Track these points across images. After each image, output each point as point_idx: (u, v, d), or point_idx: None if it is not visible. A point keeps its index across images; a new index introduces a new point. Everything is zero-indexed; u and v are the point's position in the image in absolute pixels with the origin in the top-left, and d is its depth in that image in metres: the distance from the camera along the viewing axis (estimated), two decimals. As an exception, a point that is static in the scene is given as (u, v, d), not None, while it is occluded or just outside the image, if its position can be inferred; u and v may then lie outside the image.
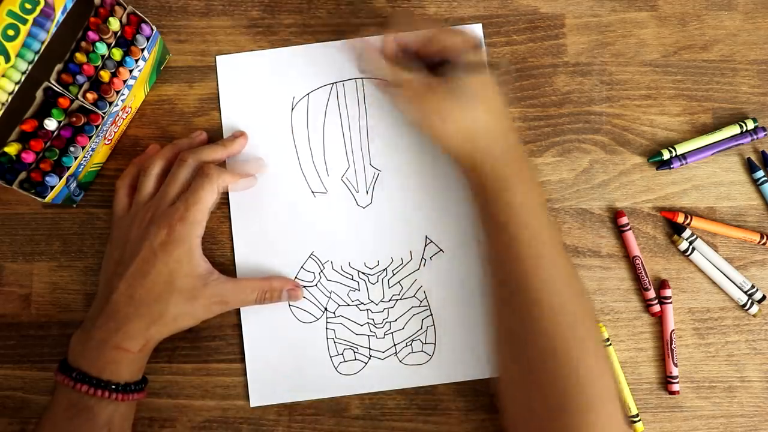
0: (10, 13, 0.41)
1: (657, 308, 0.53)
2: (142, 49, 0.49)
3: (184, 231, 0.47)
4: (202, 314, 0.49)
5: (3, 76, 0.42)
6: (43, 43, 0.44)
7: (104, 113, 0.48)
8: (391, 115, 0.54)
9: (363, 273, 0.53)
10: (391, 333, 0.53)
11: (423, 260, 0.53)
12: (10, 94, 0.43)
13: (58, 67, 0.47)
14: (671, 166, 0.54)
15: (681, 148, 0.54)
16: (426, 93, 0.47)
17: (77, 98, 0.47)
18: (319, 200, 0.54)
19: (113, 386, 0.45)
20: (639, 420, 0.51)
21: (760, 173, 0.54)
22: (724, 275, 0.53)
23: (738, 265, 0.54)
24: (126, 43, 0.48)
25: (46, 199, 0.47)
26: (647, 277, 0.53)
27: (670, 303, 0.53)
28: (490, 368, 0.51)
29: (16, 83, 0.43)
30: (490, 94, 0.48)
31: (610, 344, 0.52)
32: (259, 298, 0.50)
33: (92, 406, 0.44)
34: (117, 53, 0.48)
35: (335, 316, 0.53)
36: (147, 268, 0.46)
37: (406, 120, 0.53)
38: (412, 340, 0.53)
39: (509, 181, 0.46)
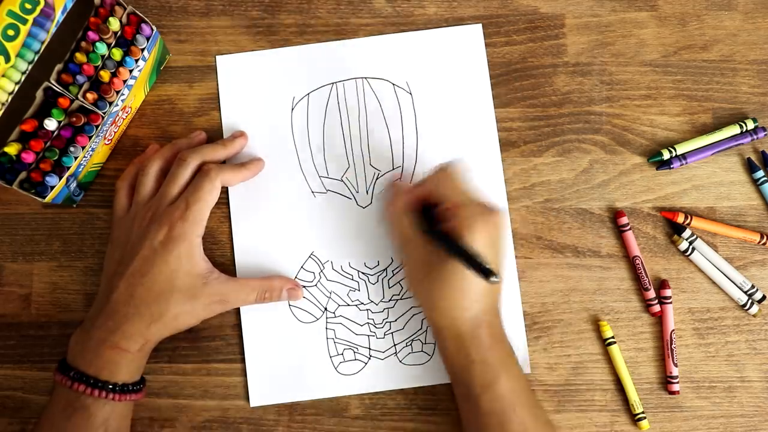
0: (10, 13, 0.41)
1: (657, 308, 0.53)
2: (142, 49, 0.49)
3: (184, 230, 0.47)
4: (203, 313, 0.49)
5: (3, 76, 0.42)
6: (43, 43, 0.44)
7: (104, 113, 0.48)
8: (390, 115, 0.55)
9: (363, 273, 0.53)
10: (391, 333, 0.53)
11: (423, 260, 0.53)
12: (10, 94, 0.43)
13: (58, 67, 0.47)
14: (671, 166, 0.54)
15: (681, 148, 0.54)
16: (417, 254, 0.46)
17: (77, 98, 0.47)
18: (319, 200, 0.54)
19: (111, 386, 0.45)
20: (645, 418, 0.51)
21: (760, 173, 0.54)
22: (724, 275, 0.53)
23: (738, 265, 0.54)
24: (126, 43, 0.48)
25: (46, 199, 0.47)
26: (647, 277, 0.53)
27: (670, 303, 0.53)
28: None
29: (16, 83, 0.43)
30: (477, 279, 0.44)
31: (615, 343, 0.52)
32: (259, 297, 0.50)
33: (89, 405, 0.44)
34: (117, 53, 0.48)
35: (335, 316, 0.53)
36: (147, 267, 0.46)
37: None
38: (412, 340, 0.53)
39: (496, 371, 0.45)
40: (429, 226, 0.47)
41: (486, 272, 0.42)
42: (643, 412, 0.51)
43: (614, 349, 0.52)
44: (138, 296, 0.46)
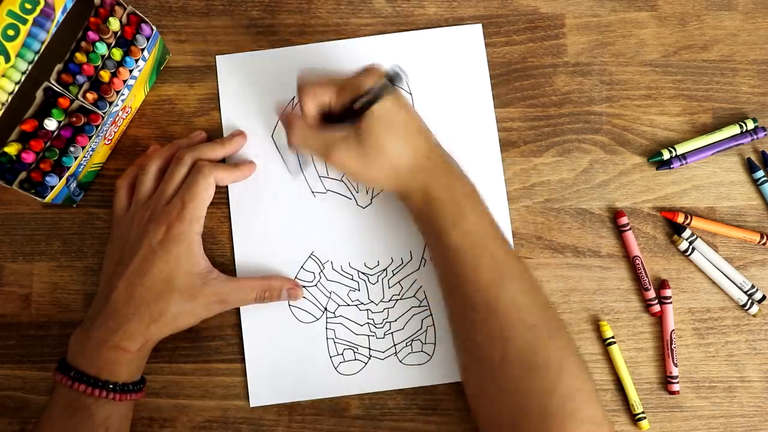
0: (10, 13, 0.41)
1: (657, 308, 0.53)
2: (142, 49, 0.49)
3: (182, 228, 0.47)
4: (202, 313, 0.49)
5: (3, 76, 0.42)
6: (43, 43, 0.44)
7: (104, 113, 0.48)
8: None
9: (363, 273, 0.53)
10: (391, 333, 0.53)
11: (423, 260, 0.53)
12: (10, 94, 0.43)
13: (58, 67, 0.47)
14: (671, 166, 0.54)
15: (681, 148, 0.54)
16: (342, 148, 0.46)
17: (77, 98, 0.47)
18: (319, 200, 0.54)
19: (111, 386, 0.45)
20: (645, 418, 0.51)
21: (760, 173, 0.54)
22: (724, 275, 0.53)
23: (738, 265, 0.54)
24: (126, 43, 0.48)
25: (46, 199, 0.47)
26: (647, 277, 0.53)
27: (670, 303, 0.53)
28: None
29: (16, 83, 0.43)
30: (401, 120, 0.46)
31: (615, 343, 0.52)
32: (258, 297, 0.50)
33: (89, 405, 0.44)
34: (117, 53, 0.48)
35: (335, 316, 0.53)
36: (146, 267, 0.46)
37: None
38: (412, 340, 0.53)
39: (460, 208, 0.46)
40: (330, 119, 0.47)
41: (395, 75, 0.43)
42: (643, 412, 0.51)
43: (614, 349, 0.52)
44: (137, 296, 0.46)
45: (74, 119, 0.47)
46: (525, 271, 0.46)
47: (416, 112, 0.48)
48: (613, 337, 0.52)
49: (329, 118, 0.47)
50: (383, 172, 0.47)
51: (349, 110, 0.45)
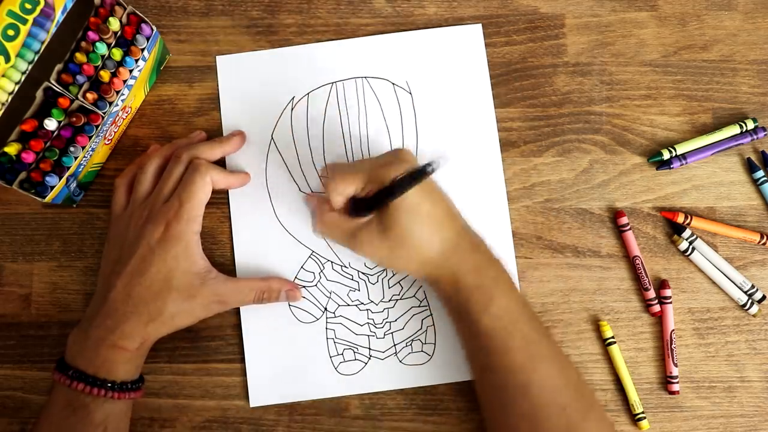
0: (10, 13, 0.41)
1: (657, 308, 0.53)
2: (142, 49, 0.49)
3: (180, 228, 0.47)
4: (201, 313, 0.49)
5: (3, 76, 0.42)
6: (43, 43, 0.44)
7: (104, 113, 0.48)
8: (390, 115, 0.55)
9: (363, 273, 0.53)
10: (391, 333, 0.53)
11: (423, 260, 0.53)
12: (10, 94, 0.43)
13: (58, 67, 0.47)
14: (671, 166, 0.54)
15: (681, 148, 0.54)
16: (368, 238, 0.46)
17: (77, 98, 0.47)
18: (319, 200, 0.54)
19: (109, 385, 0.45)
20: (644, 418, 0.51)
21: (760, 173, 0.54)
22: (724, 275, 0.53)
23: (738, 265, 0.54)
24: (126, 43, 0.48)
25: (46, 199, 0.47)
26: (647, 277, 0.53)
27: (670, 303, 0.53)
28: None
29: (16, 83, 0.43)
30: (426, 208, 0.45)
31: (615, 343, 0.52)
32: (257, 298, 0.50)
33: (88, 404, 0.44)
34: (117, 53, 0.48)
35: (335, 316, 0.53)
36: (144, 266, 0.46)
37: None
38: (412, 340, 0.53)
39: (490, 292, 0.45)
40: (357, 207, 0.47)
41: (422, 170, 0.41)
42: (643, 412, 0.51)
43: (614, 349, 0.52)
44: (136, 295, 0.46)
45: (74, 119, 0.47)
46: (557, 351, 0.46)
47: (444, 197, 0.47)
48: (613, 337, 0.52)
49: (357, 204, 0.46)
50: (409, 261, 0.46)
51: (375, 199, 0.44)
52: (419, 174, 0.41)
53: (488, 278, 0.46)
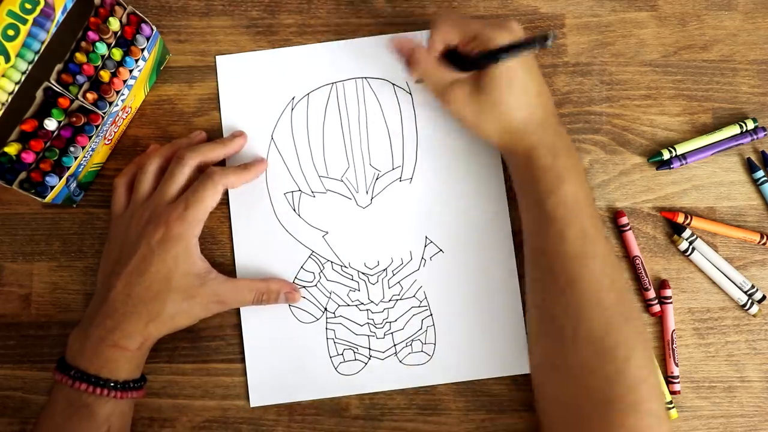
0: (10, 13, 0.41)
1: (657, 308, 0.53)
2: (142, 49, 0.49)
3: (181, 229, 0.47)
4: (200, 313, 0.49)
5: (3, 76, 0.42)
6: (43, 43, 0.44)
7: (104, 113, 0.48)
8: (390, 115, 0.55)
9: (363, 273, 0.53)
10: (391, 333, 0.53)
11: (423, 260, 0.53)
12: (10, 94, 0.43)
13: (58, 67, 0.47)
14: (671, 166, 0.54)
15: (681, 148, 0.54)
16: (461, 92, 0.47)
17: (77, 98, 0.47)
18: (319, 200, 0.54)
19: (112, 384, 0.45)
20: (673, 407, 0.52)
21: (760, 173, 0.54)
22: (724, 275, 0.53)
23: (738, 265, 0.54)
24: (126, 43, 0.48)
25: (46, 199, 0.47)
26: (647, 277, 0.53)
27: (671, 303, 0.53)
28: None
29: (16, 83, 0.43)
30: (523, 81, 0.47)
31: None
32: (256, 299, 0.50)
33: (91, 404, 0.44)
34: (117, 53, 0.48)
35: (335, 317, 0.53)
36: (144, 266, 0.46)
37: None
38: (412, 340, 0.53)
39: (561, 177, 0.46)
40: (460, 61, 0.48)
41: (539, 40, 0.42)
42: (671, 402, 0.52)
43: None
44: (136, 295, 0.46)
45: (74, 119, 0.47)
46: (610, 252, 0.46)
47: (540, 75, 0.48)
48: None
49: (458, 57, 0.47)
50: (494, 126, 0.48)
51: (479, 58, 0.46)
52: (528, 45, 0.43)
53: (562, 163, 0.46)
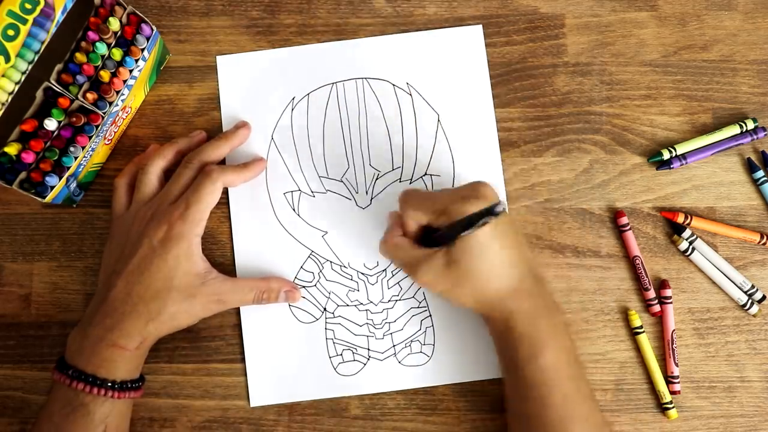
0: (10, 13, 0.42)
1: (657, 308, 0.53)
2: (142, 49, 0.49)
3: (183, 229, 0.47)
4: (200, 313, 0.49)
5: (3, 76, 0.42)
6: (43, 43, 0.44)
7: (104, 113, 0.48)
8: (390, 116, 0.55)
9: (362, 273, 0.53)
10: (390, 334, 0.53)
11: (423, 260, 0.53)
12: (10, 94, 0.43)
13: (58, 67, 0.47)
14: (671, 166, 0.54)
15: (681, 148, 0.54)
16: (431, 268, 0.45)
17: (77, 98, 0.47)
18: (319, 200, 0.54)
19: (109, 384, 0.45)
20: (673, 407, 0.51)
21: (760, 173, 0.54)
22: (724, 275, 0.53)
23: (738, 265, 0.54)
24: (126, 43, 0.48)
25: (46, 199, 0.47)
26: (647, 277, 0.53)
27: (671, 303, 0.53)
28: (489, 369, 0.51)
29: (16, 83, 0.43)
30: (496, 250, 0.44)
31: (643, 332, 0.52)
32: (256, 298, 0.50)
33: (88, 403, 0.44)
34: (117, 53, 0.48)
35: (334, 317, 0.53)
36: (145, 266, 0.46)
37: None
38: (411, 341, 0.53)
39: (540, 343, 0.44)
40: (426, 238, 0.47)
41: (488, 212, 0.42)
42: (671, 402, 0.51)
43: (642, 338, 0.52)
44: (136, 294, 0.46)
45: (74, 119, 0.47)
46: (594, 413, 0.46)
47: (516, 237, 0.46)
48: (641, 327, 0.52)
49: (428, 234, 0.46)
50: (469, 296, 0.46)
51: (448, 231, 0.44)
52: (493, 213, 0.42)
53: (543, 327, 0.45)
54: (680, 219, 0.53)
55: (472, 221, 0.42)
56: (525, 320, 0.45)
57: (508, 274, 0.45)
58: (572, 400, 0.44)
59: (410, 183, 0.54)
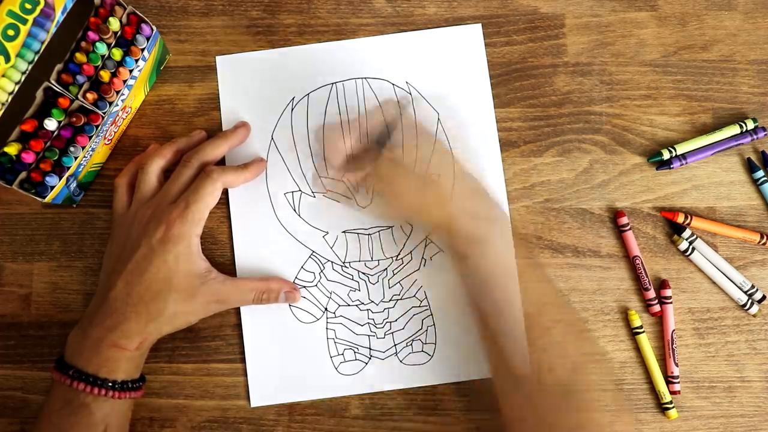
0: (10, 13, 0.41)
1: (657, 308, 0.53)
2: (142, 49, 0.49)
3: (182, 229, 0.47)
4: (200, 312, 0.49)
5: (3, 76, 0.42)
6: (43, 43, 0.44)
7: (104, 113, 0.48)
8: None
9: (363, 273, 0.53)
10: (392, 333, 0.53)
11: (423, 260, 0.53)
12: (10, 94, 0.43)
13: (58, 67, 0.47)
14: (671, 166, 0.54)
15: (681, 148, 0.54)
16: (378, 184, 0.49)
17: (77, 98, 0.47)
18: (319, 200, 0.54)
19: (110, 384, 0.45)
20: (673, 407, 0.51)
21: (760, 173, 0.54)
22: (724, 275, 0.53)
23: (738, 265, 0.54)
24: (126, 43, 0.48)
25: (46, 199, 0.47)
26: (647, 277, 0.53)
27: (671, 303, 0.53)
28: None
29: (16, 83, 0.43)
30: (421, 149, 0.47)
31: (643, 332, 0.52)
32: (256, 298, 0.50)
33: (89, 403, 0.44)
34: (117, 53, 0.48)
35: (335, 316, 0.53)
36: (145, 265, 0.46)
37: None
38: (413, 340, 0.53)
39: (480, 243, 0.46)
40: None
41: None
42: (671, 402, 0.51)
43: (642, 339, 0.52)
44: (136, 294, 0.46)
45: (74, 119, 0.47)
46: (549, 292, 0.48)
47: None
48: (641, 327, 0.52)
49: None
50: (413, 210, 0.49)
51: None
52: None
53: (480, 226, 0.47)
54: (680, 219, 0.53)
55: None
56: (466, 221, 0.47)
57: (434, 174, 0.48)
58: (527, 277, 0.46)
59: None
